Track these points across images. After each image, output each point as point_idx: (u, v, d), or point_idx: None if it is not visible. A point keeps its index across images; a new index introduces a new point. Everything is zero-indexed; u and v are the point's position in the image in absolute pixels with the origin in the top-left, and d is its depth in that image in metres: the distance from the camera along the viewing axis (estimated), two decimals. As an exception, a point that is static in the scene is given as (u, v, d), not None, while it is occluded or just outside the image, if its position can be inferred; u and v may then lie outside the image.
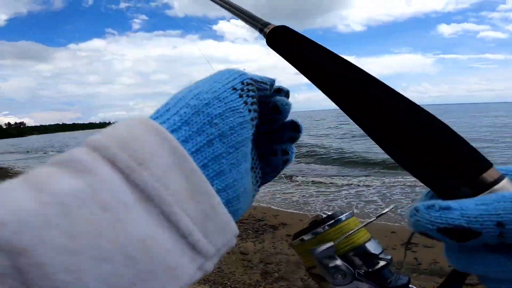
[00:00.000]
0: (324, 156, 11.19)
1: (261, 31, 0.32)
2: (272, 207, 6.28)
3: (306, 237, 0.38)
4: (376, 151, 9.56)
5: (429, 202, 0.19)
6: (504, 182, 0.19)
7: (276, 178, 0.33)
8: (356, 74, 0.25)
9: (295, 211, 6.17)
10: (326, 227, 0.37)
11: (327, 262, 0.35)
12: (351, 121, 0.25)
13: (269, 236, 4.41)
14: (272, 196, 7.29)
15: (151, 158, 0.19)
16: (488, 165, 0.20)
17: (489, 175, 0.20)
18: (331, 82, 0.25)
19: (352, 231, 0.37)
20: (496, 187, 0.19)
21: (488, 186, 0.19)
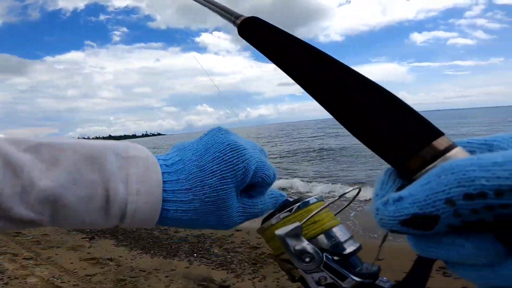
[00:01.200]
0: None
1: (234, 23, 0.37)
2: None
3: (274, 221, 0.39)
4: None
5: (384, 198, 0.19)
6: (456, 150, 0.19)
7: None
8: (317, 58, 0.26)
9: None
10: (294, 209, 0.38)
11: (294, 244, 0.33)
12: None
13: (271, 269, 3.67)
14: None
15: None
16: (439, 133, 0.20)
17: (439, 143, 0.19)
18: (297, 68, 0.27)
19: (316, 211, 0.36)
20: (448, 155, 0.19)
21: (439, 154, 0.19)
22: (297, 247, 0.33)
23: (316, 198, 0.40)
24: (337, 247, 0.36)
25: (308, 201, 0.39)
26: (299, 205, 0.38)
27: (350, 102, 0.23)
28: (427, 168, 0.19)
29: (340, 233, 0.37)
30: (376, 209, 0.19)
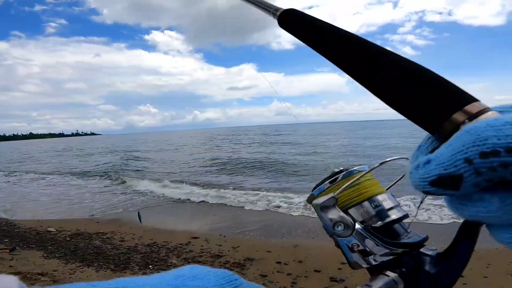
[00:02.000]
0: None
1: (274, 15, 0.39)
2: (223, 235, 5.31)
3: (316, 192, 0.40)
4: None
5: (415, 162, 0.21)
6: (488, 114, 0.20)
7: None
8: (353, 42, 0.29)
9: (254, 237, 5.34)
10: (338, 179, 0.39)
11: (327, 213, 0.36)
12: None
13: (243, 279, 3.42)
14: (221, 221, 6.31)
15: None
16: (472, 99, 0.21)
17: (472, 107, 0.20)
18: (336, 52, 0.30)
19: (353, 180, 0.37)
20: (478, 118, 0.20)
21: (470, 118, 0.20)
22: (330, 216, 0.36)
23: (360, 168, 0.41)
24: (380, 214, 0.37)
25: (352, 171, 0.40)
26: (343, 175, 0.39)
27: (388, 79, 0.26)
28: (457, 131, 0.20)
29: (385, 201, 0.38)
30: (410, 173, 0.21)
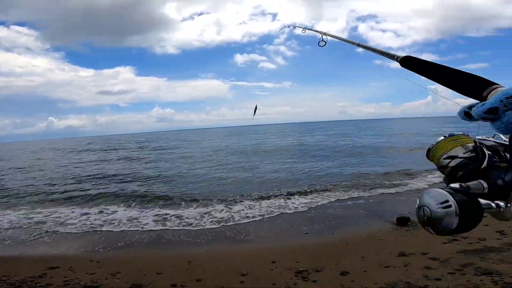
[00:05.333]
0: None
1: (396, 59, 0.82)
2: (95, 260, 4.27)
3: (431, 146, 0.80)
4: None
5: (476, 107, 0.59)
6: (504, 87, 0.60)
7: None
8: (442, 68, 0.72)
9: (137, 257, 4.51)
10: (446, 137, 0.79)
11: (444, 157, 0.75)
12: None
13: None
14: (91, 243, 5.08)
15: None
16: (495, 83, 0.63)
17: (496, 85, 0.62)
18: (443, 78, 0.71)
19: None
20: (501, 88, 0.61)
21: (498, 89, 0.61)
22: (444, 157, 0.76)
23: (461, 132, 0.79)
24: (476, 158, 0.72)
25: (454, 133, 0.78)
26: (449, 135, 0.78)
27: (459, 80, 0.67)
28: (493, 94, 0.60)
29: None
30: (473, 111, 0.60)
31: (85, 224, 6.27)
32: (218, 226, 5.84)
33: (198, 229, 5.67)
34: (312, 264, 3.77)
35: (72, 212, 7.23)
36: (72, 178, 13.00)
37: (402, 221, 5.20)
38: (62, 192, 9.90)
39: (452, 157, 0.72)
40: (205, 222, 6.08)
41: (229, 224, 5.92)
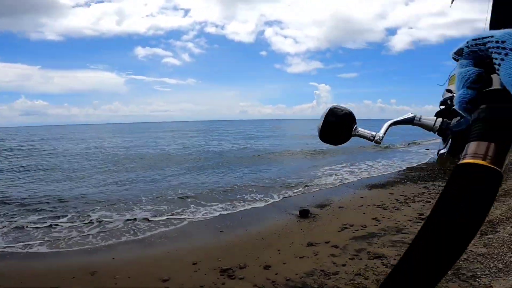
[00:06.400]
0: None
1: None
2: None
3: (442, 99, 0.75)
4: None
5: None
6: None
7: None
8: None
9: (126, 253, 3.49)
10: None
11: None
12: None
13: None
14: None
15: None
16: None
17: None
18: None
19: None
20: None
21: None
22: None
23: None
24: None
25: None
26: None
27: None
28: None
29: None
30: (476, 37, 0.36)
31: None
32: (116, 229, 5.15)
33: (90, 234, 4.86)
34: (234, 261, 3.80)
35: None
36: None
37: (304, 214, 5.86)
38: None
39: (450, 91, 0.77)
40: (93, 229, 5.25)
41: (130, 227, 5.31)
